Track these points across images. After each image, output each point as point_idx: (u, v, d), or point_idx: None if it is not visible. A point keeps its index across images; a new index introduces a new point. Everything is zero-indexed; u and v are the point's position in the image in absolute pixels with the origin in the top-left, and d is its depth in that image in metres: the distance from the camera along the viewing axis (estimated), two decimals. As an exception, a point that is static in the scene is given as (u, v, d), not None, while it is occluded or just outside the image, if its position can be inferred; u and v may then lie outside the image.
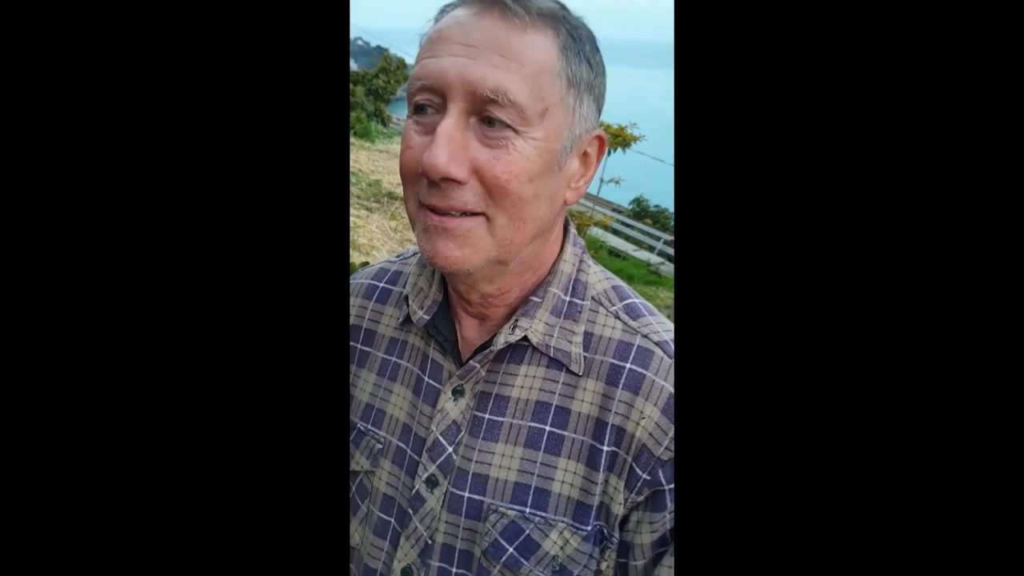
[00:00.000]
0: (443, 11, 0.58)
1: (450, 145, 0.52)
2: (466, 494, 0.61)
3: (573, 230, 0.66)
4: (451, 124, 0.53)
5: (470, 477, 0.61)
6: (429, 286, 0.66)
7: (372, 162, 8.32)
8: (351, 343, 0.74)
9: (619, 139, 9.10)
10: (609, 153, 9.22)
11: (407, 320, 0.68)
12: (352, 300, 0.76)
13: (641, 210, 14.30)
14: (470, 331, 0.64)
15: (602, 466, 0.58)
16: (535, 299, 0.61)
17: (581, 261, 0.65)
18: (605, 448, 0.58)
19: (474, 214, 0.55)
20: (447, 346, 0.64)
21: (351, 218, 5.74)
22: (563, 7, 0.57)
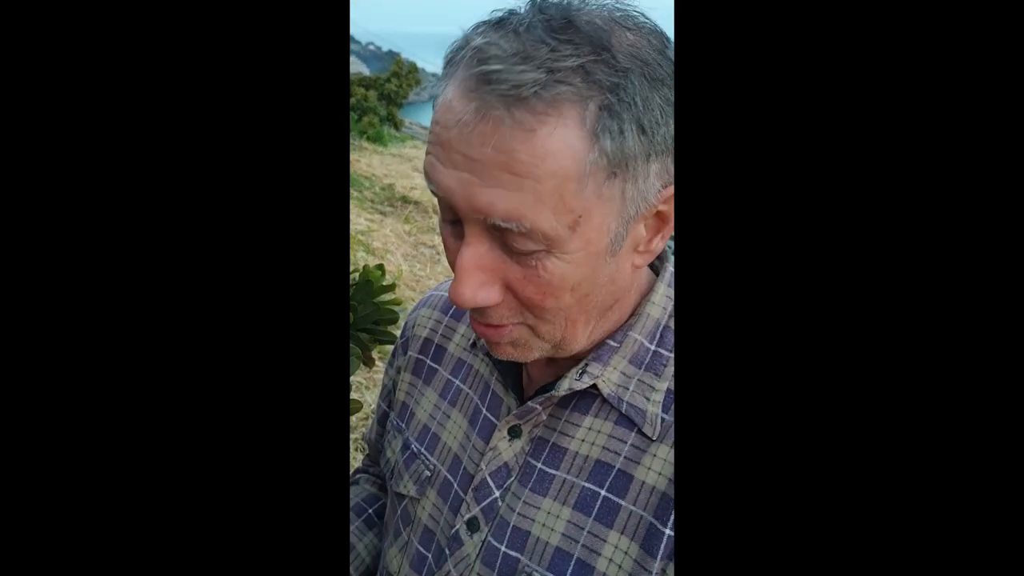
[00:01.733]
0: (451, 63, 0.47)
1: (474, 277, 0.47)
2: (503, 548, 0.55)
3: (671, 269, 0.57)
4: (471, 253, 0.46)
5: (510, 529, 0.55)
6: None
7: (385, 166, 8.37)
8: (420, 356, 0.70)
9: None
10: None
11: (475, 343, 0.64)
12: (428, 312, 0.72)
13: (655, 210, 14.21)
14: (537, 367, 0.59)
15: (661, 553, 0.49)
16: (612, 343, 0.54)
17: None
18: (667, 532, 0.50)
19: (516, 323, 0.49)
20: (509, 379, 0.59)
21: (365, 222, 5.77)
22: (599, 48, 0.42)
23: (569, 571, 0.52)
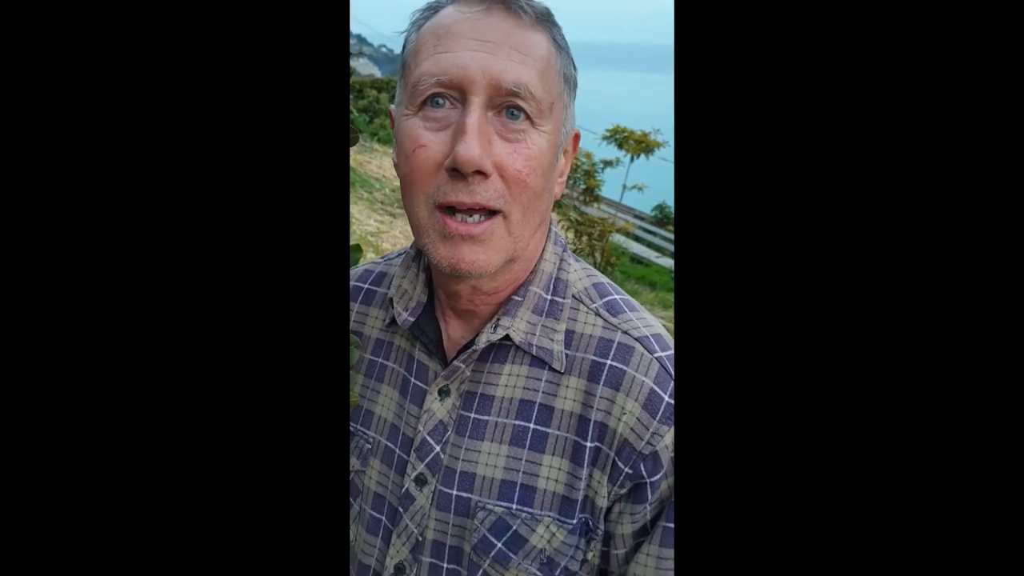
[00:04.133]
0: (432, 9, 0.59)
1: (482, 138, 0.53)
2: (454, 492, 0.62)
3: (556, 229, 0.68)
4: (477, 118, 0.54)
5: (458, 475, 0.63)
6: (413, 288, 0.68)
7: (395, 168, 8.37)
8: None
9: (642, 145, 8.99)
10: (632, 159, 9.13)
11: (392, 322, 0.69)
12: None
13: (664, 216, 14.17)
14: (455, 330, 0.66)
15: (586, 461, 0.59)
16: (516, 298, 0.63)
17: (561, 260, 0.66)
18: (588, 444, 0.59)
19: (492, 212, 0.56)
20: (432, 347, 0.65)
21: (375, 224, 5.79)
22: (550, 11, 0.60)
23: (516, 496, 0.61)
